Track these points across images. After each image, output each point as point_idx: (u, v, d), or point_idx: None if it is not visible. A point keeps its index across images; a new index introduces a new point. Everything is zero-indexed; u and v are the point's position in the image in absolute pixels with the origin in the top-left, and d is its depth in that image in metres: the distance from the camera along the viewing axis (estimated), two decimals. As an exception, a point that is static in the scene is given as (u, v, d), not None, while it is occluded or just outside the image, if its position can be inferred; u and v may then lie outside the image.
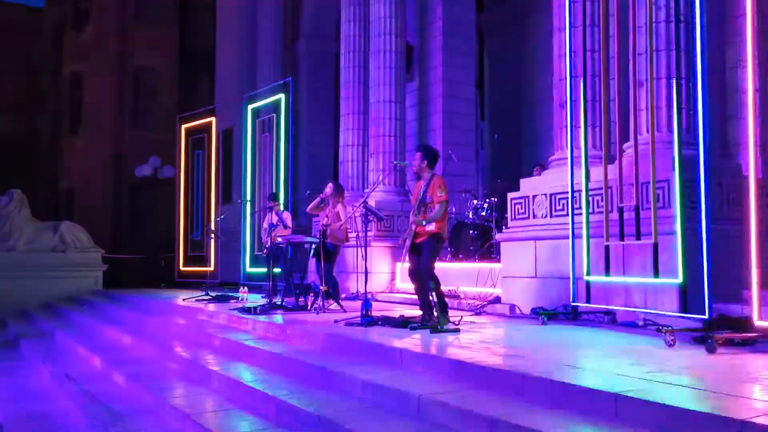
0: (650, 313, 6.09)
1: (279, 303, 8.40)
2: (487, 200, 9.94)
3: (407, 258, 6.22)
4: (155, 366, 6.29)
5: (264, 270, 11.27)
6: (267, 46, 15.70)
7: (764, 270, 4.96)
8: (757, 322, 4.73)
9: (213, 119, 14.23)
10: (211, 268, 13.51)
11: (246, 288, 10.70)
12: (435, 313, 6.10)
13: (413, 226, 6.08)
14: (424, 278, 6.08)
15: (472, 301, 8.25)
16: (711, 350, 4.53)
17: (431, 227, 6.01)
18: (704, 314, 5.17)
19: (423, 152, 6.28)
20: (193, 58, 22.35)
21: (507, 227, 8.22)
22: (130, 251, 17.40)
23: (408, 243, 6.09)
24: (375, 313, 6.59)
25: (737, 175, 6.76)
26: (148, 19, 22.65)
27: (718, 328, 4.79)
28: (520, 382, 3.73)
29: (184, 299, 10.21)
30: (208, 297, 10.22)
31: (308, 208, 8.80)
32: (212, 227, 12.46)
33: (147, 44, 22.19)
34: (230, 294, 10.36)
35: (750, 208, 4.97)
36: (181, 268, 14.25)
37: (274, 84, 13.27)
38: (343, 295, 8.79)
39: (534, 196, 7.67)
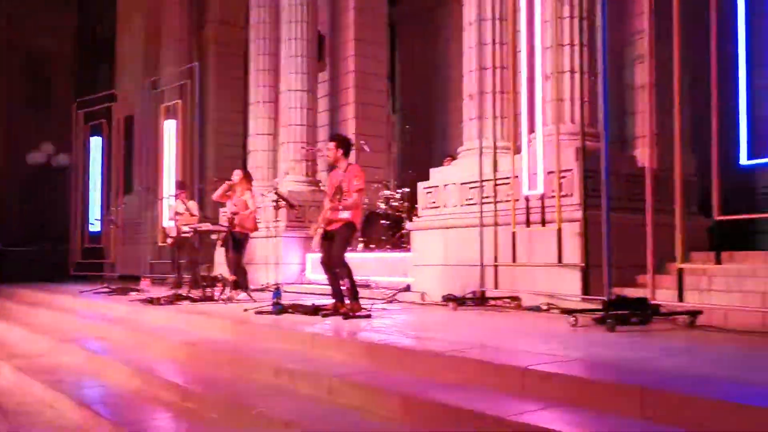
0: (554, 296, 6.31)
1: (185, 294, 8.11)
2: (399, 190, 10.00)
3: (319, 246, 6.13)
4: (49, 359, 5.91)
5: (167, 262, 10.86)
6: (173, 32, 15.13)
7: (660, 255, 5.24)
8: (652, 302, 5.00)
9: (113, 105, 13.55)
10: (111, 260, 12.88)
11: (148, 280, 10.29)
12: (347, 301, 6.07)
13: (328, 213, 6.00)
14: (335, 266, 6.02)
15: (383, 290, 8.27)
16: (611, 329, 4.74)
17: (346, 215, 5.97)
18: (604, 297, 5.40)
19: (338, 142, 6.23)
20: (94, 43, 21.21)
21: (418, 216, 8.30)
22: (21, 243, 16.32)
23: (321, 230, 6.01)
24: (285, 303, 6.48)
25: (633, 166, 7.12)
26: (44, 1, 21.27)
27: (617, 309, 5.01)
28: (433, 360, 3.75)
29: (81, 292, 9.68)
30: (108, 289, 9.75)
31: (215, 196, 8.51)
32: (112, 217, 11.87)
33: (42, 27, 20.84)
34: (131, 287, 9.92)
35: (647, 197, 5.22)
36: (78, 260, 13.49)
37: (179, 69, 12.80)
38: (251, 287, 8.59)
39: (445, 186, 7.78)
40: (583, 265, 5.93)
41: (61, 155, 16.78)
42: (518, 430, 2.69)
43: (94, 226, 13.31)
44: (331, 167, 6.43)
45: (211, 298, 7.93)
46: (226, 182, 8.30)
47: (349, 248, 6.40)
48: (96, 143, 13.44)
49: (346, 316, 5.76)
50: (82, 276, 12.83)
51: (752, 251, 7.01)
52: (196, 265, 9.09)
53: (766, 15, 5.09)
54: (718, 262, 4.90)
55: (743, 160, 4.59)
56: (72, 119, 13.92)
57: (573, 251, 6.21)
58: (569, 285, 6.27)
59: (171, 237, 9.34)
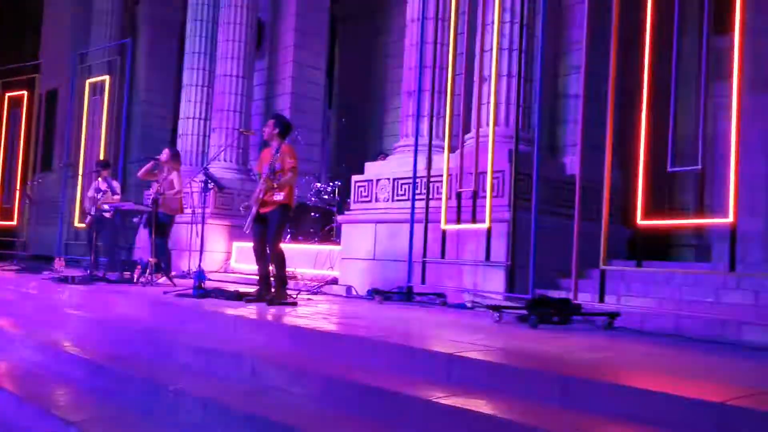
0: (479, 294, 6.40)
1: (101, 275, 7.78)
2: (331, 184, 9.93)
3: (250, 228, 5.95)
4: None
5: (84, 244, 10.39)
6: (103, 5, 14.52)
7: (581, 261, 5.39)
8: (574, 303, 5.13)
9: (36, 76, 12.90)
10: (23, 239, 12.22)
11: (62, 260, 9.81)
12: (272, 290, 5.94)
13: (261, 193, 5.83)
14: (270, 248, 5.87)
15: (309, 282, 8.18)
16: (533, 326, 4.83)
17: (280, 197, 5.81)
18: (528, 295, 5.52)
19: (276, 120, 6.12)
20: (16, 11, 20.12)
21: (349, 210, 8.26)
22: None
23: (254, 210, 5.84)
24: (208, 288, 6.30)
25: (562, 173, 7.32)
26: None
27: (540, 309, 5.12)
28: (358, 345, 3.72)
29: (-15, 268, 9.15)
30: (18, 267, 9.24)
31: (140, 173, 8.18)
32: (28, 192, 11.26)
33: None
34: (44, 266, 9.44)
35: (576, 204, 5.36)
36: (-14, 237, 12.73)
37: (110, 45, 12.31)
38: (173, 273, 8.31)
39: (378, 180, 7.78)
40: (509, 263, 6.02)
41: (-25, 126, 15.79)
42: (446, 412, 2.68)
43: (7, 202, 12.58)
44: (264, 146, 6.27)
45: (129, 281, 7.63)
46: (152, 160, 8.00)
47: (285, 232, 6.25)
48: (15, 115, 12.72)
49: (271, 303, 5.65)
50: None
51: (669, 261, 7.34)
52: (115, 247, 8.72)
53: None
54: (639, 266, 5.07)
55: (668, 167, 4.78)
56: (-11, 89, 13.15)
57: (500, 251, 6.31)
58: (495, 284, 6.37)
59: (90, 215, 8.91)
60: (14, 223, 12.52)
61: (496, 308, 5.27)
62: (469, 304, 6.43)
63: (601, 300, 5.11)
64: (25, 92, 12.86)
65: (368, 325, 4.48)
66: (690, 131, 7.45)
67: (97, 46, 13.50)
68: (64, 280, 7.20)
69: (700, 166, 4.64)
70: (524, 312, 5.18)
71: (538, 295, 5.52)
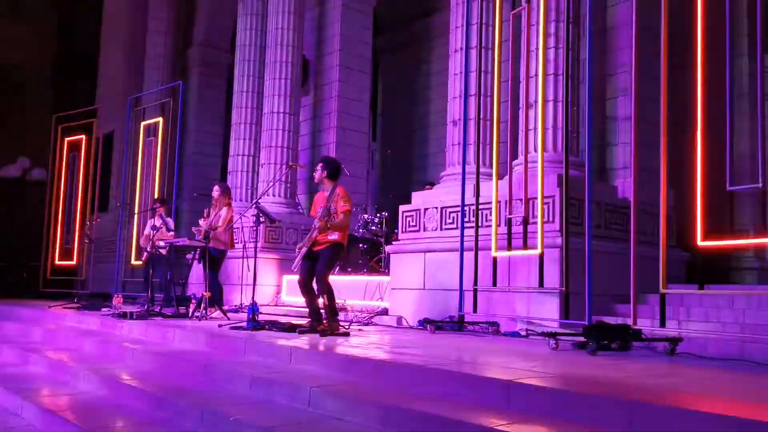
0: (533, 322, 6.29)
1: (157, 311, 7.94)
2: (378, 215, 9.98)
3: (298, 265, 6.04)
4: (16, 369, 5.71)
5: (140, 281, 10.64)
6: (157, 50, 15.11)
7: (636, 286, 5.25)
8: (633, 329, 5.00)
9: (94, 120, 13.41)
10: (83, 277, 12.59)
11: (120, 297, 10.04)
12: (323, 321, 5.97)
13: (315, 233, 5.95)
14: (318, 282, 5.92)
15: (359, 314, 8.18)
16: (592, 353, 4.71)
17: (334, 236, 5.93)
18: (584, 322, 5.40)
19: (324, 163, 6.24)
20: (73, 58, 21.07)
21: (397, 240, 8.27)
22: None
23: (304, 250, 5.94)
24: (261, 320, 6.36)
25: (613, 197, 7.21)
26: (21, 12, 21.14)
27: (598, 335, 5.00)
28: (413, 373, 3.69)
29: (50, 306, 9.43)
30: (78, 305, 9.51)
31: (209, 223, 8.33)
32: (87, 231, 11.63)
33: (17, 39, 20.66)
34: (103, 303, 9.67)
35: (631, 228, 5.26)
36: (48, 277, 13.16)
37: (162, 87, 12.75)
38: (225, 307, 8.43)
39: (425, 209, 7.78)
40: (563, 289, 5.92)
41: (36, 169, 16.50)
42: (504, 439, 2.63)
43: (67, 241, 13.02)
44: (317, 188, 6.37)
45: (184, 315, 7.77)
46: (206, 211, 8.26)
47: (336, 269, 6.32)
48: (74, 158, 13.23)
49: (323, 334, 5.68)
50: (53, 293, 12.52)
51: (728, 284, 7.10)
52: (170, 283, 8.90)
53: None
54: (701, 288, 4.91)
55: (728, 186, 4.67)
56: (51, 134, 13.72)
57: (552, 277, 6.21)
58: (548, 311, 6.26)
59: (146, 252, 9.15)
60: (74, 262, 12.93)
61: (552, 335, 5.17)
62: (522, 332, 6.32)
63: (662, 324, 4.97)
64: (83, 136, 13.37)
65: (422, 354, 4.44)
66: (745, 150, 7.28)
67: (150, 89, 14.01)
68: (123, 315, 7.37)
69: (760, 185, 4.50)
70: (581, 339, 5.06)
71: (596, 322, 5.39)
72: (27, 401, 4.32)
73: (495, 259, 6.61)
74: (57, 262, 13.21)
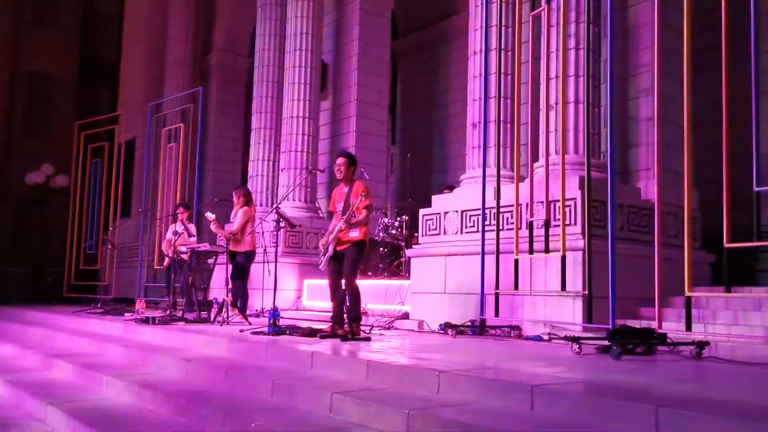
0: (556, 326, 6.23)
1: (179, 316, 7.99)
2: (398, 218, 9.96)
3: (326, 265, 6.03)
4: (41, 374, 5.77)
5: (163, 286, 10.73)
6: (177, 57, 15.26)
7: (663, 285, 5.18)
8: (659, 332, 4.92)
9: (116, 128, 13.56)
10: (105, 282, 12.72)
11: (143, 302, 10.13)
12: (345, 326, 5.96)
13: (341, 232, 5.91)
14: (346, 284, 5.91)
15: (380, 318, 8.16)
16: (616, 357, 4.65)
17: (355, 234, 5.89)
18: (608, 326, 5.33)
19: (347, 158, 6.18)
20: (95, 67, 21.38)
21: (418, 244, 8.24)
22: (15, 264, 16.15)
23: (331, 249, 5.92)
24: (282, 325, 6.37)
25: (636, 198, 7.11)
26: (46, 23, 21.49)
27: (622, 339, 4.93)
28: (434, 378, 3.66)
29: (74, 312, 9.54)
30: (102, 310, 9.61)
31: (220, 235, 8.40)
32: (110, 238, 11.76)
33: (43, 48, 21.01)
34: (126, 308, 9.77)
35: (656, 230, 5.19)
36: (72, 282, 13.32)
37: (183, 93, 12.86)
38: (246, 312, 8.46)
39: (446, 213, 7.74)
40: (587, 293, 5.85)
41: (60, 176, 16.72)
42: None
43: (90, 246, 13.16)
44: (336, 184, 6.32)
45: (206, 320, 7.81)
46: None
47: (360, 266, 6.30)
48: (97, 165, 13.38)
49: (345, 338, 5.66)
50: (76, 298, 12.67)
51: (755, 287, 6.97)
52: (192, 287, 8.97)
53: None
54: (728, 291, 4.82)
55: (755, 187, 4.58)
56: (74, 141, 13.90)
57: (575, 280, 6.15)
58: (571, 314, 6.19)
59: (168, 257, 9.23)
60: (97, 267, 13.07)
61: (575, 339, 5.10)
62: (545, 336, 6.25)
63: (688, 328, 4.89)
64: (105, 143, 13.53)
65: (444, 359, 4.42)
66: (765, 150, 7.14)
67: (170, 95, 14.13)
68: (145, 321, 7.43)
69: (788, 185, 4.41)
70: (605, 343, 5.00)
71: (620, 325, 5.32)
72: (52, 407, 4.36)
73: (516, 263, 6.55)
74: (81, 267, 13.36)
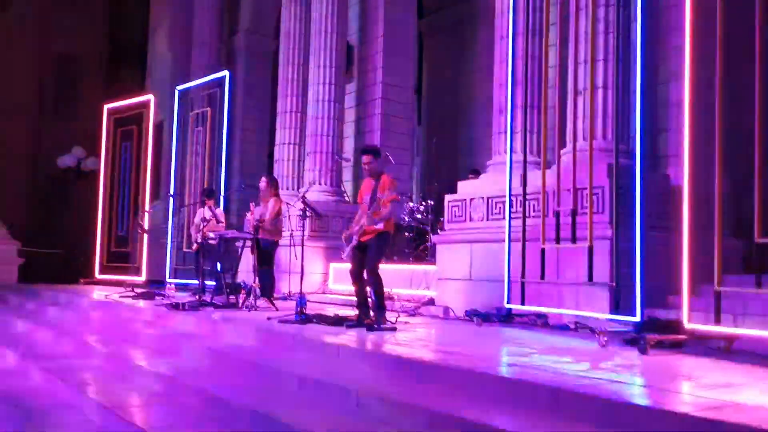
0: (582, 315, 6.20)
1: (208, 301, 8.12)
2: (424, 203, 9.95)
3: (349, 255, 6.09)
4: (75, 361, 5.94)
5: (192, 268, 10.90)
6: (203, 39, 15.28)
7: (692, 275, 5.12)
8: (687, 325, 4.87)
9: (144, 111, 13.68)
10: (136, 264, 12.96)
11: (173, 285, 10.33)
12: (371, 313, 6.02)
13: (365, 225, 5.98)
14: (369, 275, 5.96)
15: (405, 303, 8.20)
16: (643, 351, 4.63)
17: (380, 225, 5.95)
18: (635, 317, 5.29)
19: (373, 154, 6.25)
20: (123, 48, 21.56)
21: (443, 230, 8.24)
22: (48, 245, 16.53)
23: (355, 241, 5.98)
24: (309, 312, 6.44)
25: (666, 185, 7.00)
26: (73, 4, 21.68)
27: (649, 331, 4.90)
28: (461, 376, 3.69)
29: (106, 295, 9.75)
30: (133, 293, 9.80)
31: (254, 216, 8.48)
32: (140, 222, 11.95)
33: (71, 30, 21.22)
34: (156, 291, 9.97)
35: (684, 217, 5.12)
36: (104, 264, 13.59)
37: (209, 77, 12.91)
38: (275, 295, 8.59)
39: (471, 200, 7.72)
40: (614, 284, 5.80)
41: (91, 159, 16.99)
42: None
43: (121, 229, 13.40)
44: (370, 176, 6.34)
45: (234, 305, 7.94)
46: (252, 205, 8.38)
47: (383, 259, 6.36)
48: (126, 148, 13.55)
49: (371, 328, 5.71)
50: (108, 279, 12.94)
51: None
52: (220, 272, 9.10)
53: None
54: (758, 285, 4.74)
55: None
56: (102, 123, 14.08)
57: (603, 269, 6.09)
58: (598, 304, 6.15)
59: (196, 243, 9.36)
60: (128, 249, 13.30)
61: (601, 332, 5.08)
62: (571, 325, 6.24)
63: (717, 321, 4.82)
64: (134, 126, 13.67)
65: (470, 354, 4.44)
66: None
67: (197, 77, 14.18)
68: (176, 306, 7.56)
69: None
70: (632, 335, 4.97)
71: (647, 317, 5.28)
72: (86, 396, 4.49)
73: (543, 251, 6.51)
74: (112, 249, 13.62)
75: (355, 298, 6.32)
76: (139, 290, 10.04)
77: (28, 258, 15.08)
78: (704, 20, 5.35)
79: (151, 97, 13.63)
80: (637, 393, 3.25)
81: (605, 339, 4.96)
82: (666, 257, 6.10)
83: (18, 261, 14.37)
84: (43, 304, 10.04)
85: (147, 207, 12.64)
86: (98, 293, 10.24)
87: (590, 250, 6.02)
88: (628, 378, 3.65)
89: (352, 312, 6.37)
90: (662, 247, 6.36)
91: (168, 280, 11.30)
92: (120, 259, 13.51)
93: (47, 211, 19.44)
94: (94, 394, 4.58)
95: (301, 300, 6.38)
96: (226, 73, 11.46)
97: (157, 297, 9.43)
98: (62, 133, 19.30)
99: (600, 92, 6.74)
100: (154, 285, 11.31)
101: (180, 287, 10.96)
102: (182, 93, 12.79)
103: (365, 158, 6.23)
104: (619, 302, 5.79)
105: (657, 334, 4.85)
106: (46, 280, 14.05)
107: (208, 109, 11.87)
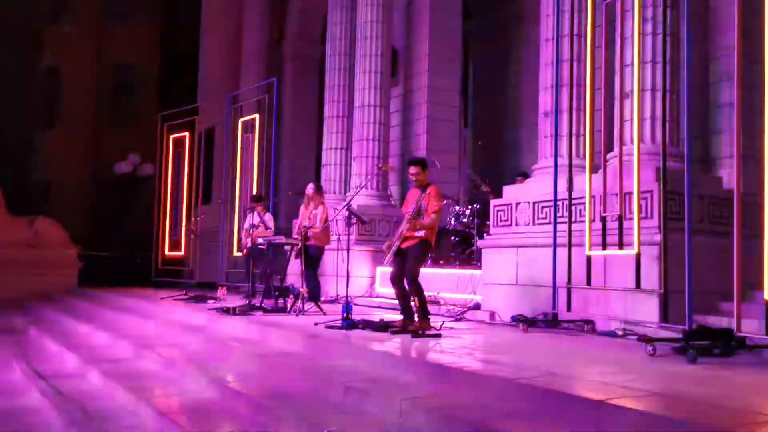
0: (630, 322, 6.12)
1: (258, 305, 8.32)
2: (469, 207, 9.95)
3: (390, 261, 6.17)
4: (131, 365, 6.18)
5: (243, 271, 11.16)
6: (252, 46, 15.62)
7: (744, 282, 5.00)
8: (738, 334, 4.77)
9: (196, 118, 14.08)
10: (189, 268, 13.34)
11: (224, 288, 10.60)
12: (415, 318, 6.07)
13: (405, 231, 6.05)
14: (408, 283, 6.03)
15: (452, 307, 8.23)
16: (691, 361, 4.55)
17: (421, 233, 6.01)
18: (685, 325, 5.20)
19: (420, 166, 6.28)
20: (175, 56, 22.17)
21: (489, 234, 8.23)
22: (106, 249, 17.15)
23: (395, 246, 6.05)
24: (355, 317, 6.54)
25: (718, 188, 6.84)
26: (128, 14, 22.43)
27: (699, 339, 4.81)
28: (502, 387, 3.71)
29: (162, 298, 10.08)
30: (186, 297, 10.11)
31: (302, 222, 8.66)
32: (192, 227, 12.31)
33: (127, 39, 21.98)
34: (208, 294, 10.25)
35: (735, 221, 5.01)
36: (159, 267, 14.04)
37: (258, 84, 13.20)
38: (322, 298, 8.75)
39: (517, 204, 7.69)
40: (662, 291, 5.71)
41: (146, 165, 17.54)
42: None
43: (175, 234, 13.80)
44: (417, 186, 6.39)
45: (283, 309, 8.11)
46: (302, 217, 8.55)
47: (423, 266, 6.42)
48: (179, 155, 13.95)
49: (416, 335, 5.76)
50: (163, 282, 13.35)
51: None
52: (270, 276, 9.31)
53: None
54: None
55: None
56: (158, 131, 14.54)
57: (651, 276, 6.00)
58: (646, 311, 6.06)
59: (245, 248, 9.60)
60: (182, 253, 13.71)
61: (649, 340, 5.02)
62: (619, 332, 6.16)
63: (768, 331, 4.71)
64: (186, 133, 14.06)
65: (514, 362, 4.45)
66: None
67: (246, 84, 14.53)
68: (226, 311, 7.78)
69: None
70: (681, 344, 4.89)
71: (696, 325, 5.19)
72: (142, 401, 4.68)
73: (589, 257, 6.45)
74: (167, 253, 14.05)
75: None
76: (191, 293, 10.33)
77: (87, 262, 15.66)
78: (754, 21, 5.21)
79: (201, 104, 14.01)
80: (679, 408, 3.22)
81: (652, 348, 4.89)
82: (719, 262, 5.97)
83: (78, 265, 14.95)
84: (101, 307, 10.43)
85: (198, 212, 12.99)
86: (153, 296, 10.58)
87: (637, 257, 5.93)
88: (673, 390, 3.61)
89: (398, 316, 6.43)
90: (715, 252, 6.22)
91: (220, 283, 11.58)
92: (174, 262, 13.93)
93: (105, 217, 20.19)
94: (149, 399, 4.76)
95: (347, 305, 6.48)
96: (273, 80, 11.68)
97: (209, 300, 9.70)
98: (119, 140, 20.01)
99: (648, 95, 6.64)
100: (207, 288, 11.62)
101: (231, 290, 11.23)
102: (231, 100, 13.10)
103: (412, 169, 6.28)
104: (668, 308, 5.69)
105: (706, 342, 4.76)
106: (104, 283, 14.60)
107: (257, 115, 12.13)
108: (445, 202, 10.35)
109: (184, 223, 13.45)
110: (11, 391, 6.07)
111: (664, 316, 5.70)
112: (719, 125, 7.15)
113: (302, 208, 8.77)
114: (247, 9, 16.03)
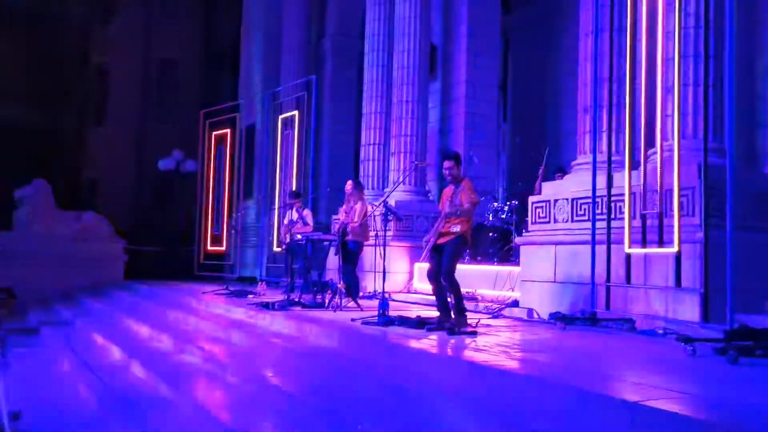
0: (671, 321, 6.03)
1: (297, 300, 8.44)
2: (508, 203, 9.89)
3: (428, 257, 6.18)
4: (174, 358, 6.35)
5: (282, 266, 11.33)
6: (292, 43, 15.75)
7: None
8: (780, 334, 4.67)
9: (237, 115, 14.30)
10: (231, 262, 13.60)
11: (264, 283, 10.77)
12: (452, 315, 6.08)
13: (440, 226, 6.04)
14: (444, 279, 6.03)
15: (489, 304, 8.21)
16: (732, 362, 4.46)
17: (457, 228, 5.98)
18: (726, 324, 5.10)
19: (455, 161, 6.22)
20: (217, 53, 22.53)
21: (527, 231, 8.18)
22: (151, 243, 17.57)
23: (432, 242, 6.06)
24: (392, 313, 6.58)
25: (764, 184, 6.67)
26: (173, 12, 22.89)
27: (740, 340, 4.72)
28: (537, 387, 3.71)
29: (203, 292, 10.30)
30: (227, 291, 10.30)
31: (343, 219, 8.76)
32: (234, 222, 12.55)
33: (172, 37, 22.43)
34: (248, 289, 10.43)
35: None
36: (201, 261, 14.33)
37: (297, 82, 13.33)
38: (360, 294, 8.82)
39: (555, 201, 7.62)
40: (703, 290, 5.61)
41: (189, 161, 17.89)
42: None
43: (217, 229, 14.06)
44: (449, 183, 6.39)
45: (321, 305, 8.21)
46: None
47: (460, 262, 6.40)
48: (221, 151, 14.20)
49: (452, 332, 5.77)
50: (205, 276, 13.63)
51: None
52: (308, 271, 9.43)
53: None
54: None
55: None
56: (200, 128, 14.81)
57: (692, 274, 5.90)
58: (687, 310, 5.96)
59: (284, 243, 9.73)
60: (223, 248, 13.96)
61: (688, 340, 4.94)
62: (660, 331, 6.06)
63: (813, 332, 4.59)
64: (228, 130, 14.30)
65: (550, 361, 4.44)
66: None
67: (286, 81, 14.67)
68: (266, 306, 7.91)
69: None
70: (722, 344, 4.80)
71: (738, 325, 5.08)
72: (184, 396, 4.82)
73: (629, 255, 6.37)
74: (209, 247, 14.33)
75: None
76: (232, 288, 10.53)
77: (132, 256, 16.07)
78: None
79: (242, 102, 14.22)
80: (722, 410, 3.18)
81: (692, 348, 4.82)
82: (764, 260, 5.84)
83: (123, 258, 15.34)
84: (145, 300, 10.71)
85: (239, 208, 13.21)
86: (196, 290, 10.82)
87: (678, 256, 5.84)
88: (712, 393, 3.56)
89: (435, 313, 6.45)
90: (760, 249, 6.08)
91: (259, 278, 11.77)
92: (216, 257, 14.19)
93: (150, 211, 20.67)
94: (192, 393, 4.90)
95: (384, 302, 6.53)
96: (312, 77, 11.78)
97: (249, 295, 9.88)
98: (162, 136, 20.45)
99: (690, 89, 6.50)
100: (247, 282, 11.83)
101: (271, 285, 11.40)
102: (271, 97, 13.27)
103: (447, 164, 6.21)
104: (710, 307, 5.59)
105: (748, 343, 4.66)
106: (148, 277, 14.96)
107: (296, 112, 12.26)
108: (482, 198, 10.37)
109: (225, 219, 13.70)
110: (60, 382, 6.32)
111: (705, 315, 5.60)
112: (765, 119, 6.96)
113: (341, 209, 8.87)
114: (287, 8, 16.17)
